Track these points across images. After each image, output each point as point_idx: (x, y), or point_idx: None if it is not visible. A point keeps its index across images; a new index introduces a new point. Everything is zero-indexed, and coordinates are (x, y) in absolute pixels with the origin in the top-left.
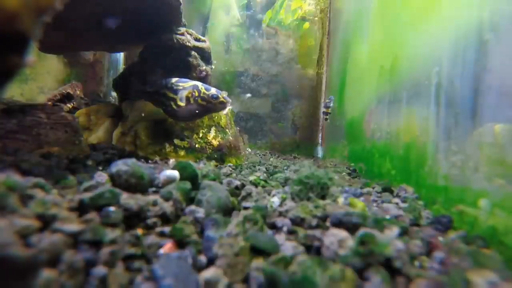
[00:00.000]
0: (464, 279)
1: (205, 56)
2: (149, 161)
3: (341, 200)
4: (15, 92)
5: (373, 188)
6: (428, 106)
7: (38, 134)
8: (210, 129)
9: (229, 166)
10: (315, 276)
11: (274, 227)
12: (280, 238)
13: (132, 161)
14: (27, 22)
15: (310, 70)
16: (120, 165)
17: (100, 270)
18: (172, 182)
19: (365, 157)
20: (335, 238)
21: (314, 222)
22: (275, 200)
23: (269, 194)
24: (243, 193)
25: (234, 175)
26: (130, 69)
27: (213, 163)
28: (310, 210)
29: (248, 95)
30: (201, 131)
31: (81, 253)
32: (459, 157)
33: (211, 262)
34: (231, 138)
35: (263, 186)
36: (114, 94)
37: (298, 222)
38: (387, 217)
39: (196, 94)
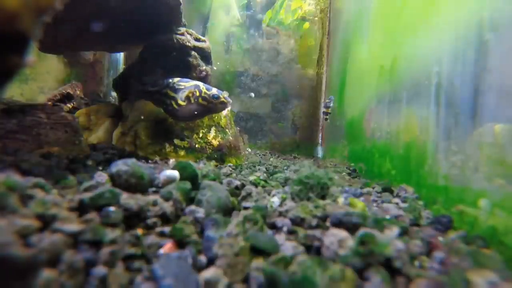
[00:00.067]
0: (464, 279)
1: (205, 56)
2: (149, 161)
3: (341, 200)
4: (15, 92)
5: (373, 188)
6: (428, 106)
7: (38, 134)
8: (210, 129)
9: (229, 166)
10: (315, 276)
11: (274, 227)
12: (280, 238)
13: (132, 161)
14: (27, 22)
15: (310, 70)
16: (120, 165)
17: (100, 270)
18: (172, 182)
19: (365, 157)
20: (335, 238)
21: (314, 222)
22: (275, 200)
23: (269, 194)
24: (243, 193)
25: (234, 175)
26: (130, 69)
27: (213, 163)
28: (310, 210)
29: (251, 94)
30: (201, 131)
31: (81, 253)
32: (459, 157)
33: (211, 262)
34: (231, 138)
35: (263, 186)
36: (114, 94)
37: (298, 222)
38: (387, 217)
39: (197, 93)
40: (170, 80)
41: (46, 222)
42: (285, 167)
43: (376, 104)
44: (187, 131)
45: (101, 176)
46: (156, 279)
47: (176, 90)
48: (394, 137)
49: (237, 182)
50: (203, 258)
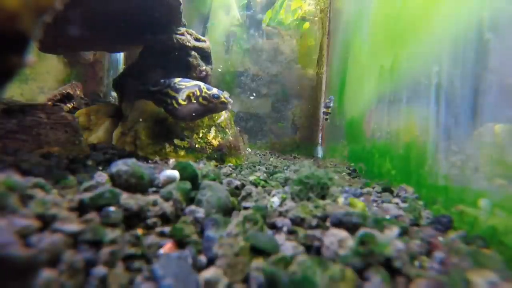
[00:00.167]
0: (464, 279)
1: (205, 56)
2: (149, 161)
3: (341, 200)
4: (15, 92)
5: (373, 188)
6: (428, 106)
7: (38, 134)
8: (210, 129)
9: (229, 166)
10: (315, 276)
11: (274, 227)
12: (280, 238)
13: (132, 161)
14: (27, 22)
15: (310, 70)
16: (120, 165)
17: (100, 270)
18: (172, 182)
19: (365, 157)
20: (335, 238)
21: (314, 222)
22: (275, 200)
23: (269, 194)
24: (243, 193)
25: (234, 175)
26: (130, 69)
27: (213, 163)
28: (310, 210)
29: (252, 96)
30: (201, 131)
31: (81, 253)
32: (459, 157)
33: (211, 262)
34: (231, 138)
35: (263, 186)
36: (114, 94)
37: (298, 222)
38: (387, 217)
39: (198, 93)
40: (172, 80)
41: (46, 222)
42: (285, 167)
43: (376, 104)
44: (187, 131)
45: (101, 176)
46: (156, 279)
47: (177, 90)
48: (394, 137)
49: (237, 182)
50: (203, 258)
